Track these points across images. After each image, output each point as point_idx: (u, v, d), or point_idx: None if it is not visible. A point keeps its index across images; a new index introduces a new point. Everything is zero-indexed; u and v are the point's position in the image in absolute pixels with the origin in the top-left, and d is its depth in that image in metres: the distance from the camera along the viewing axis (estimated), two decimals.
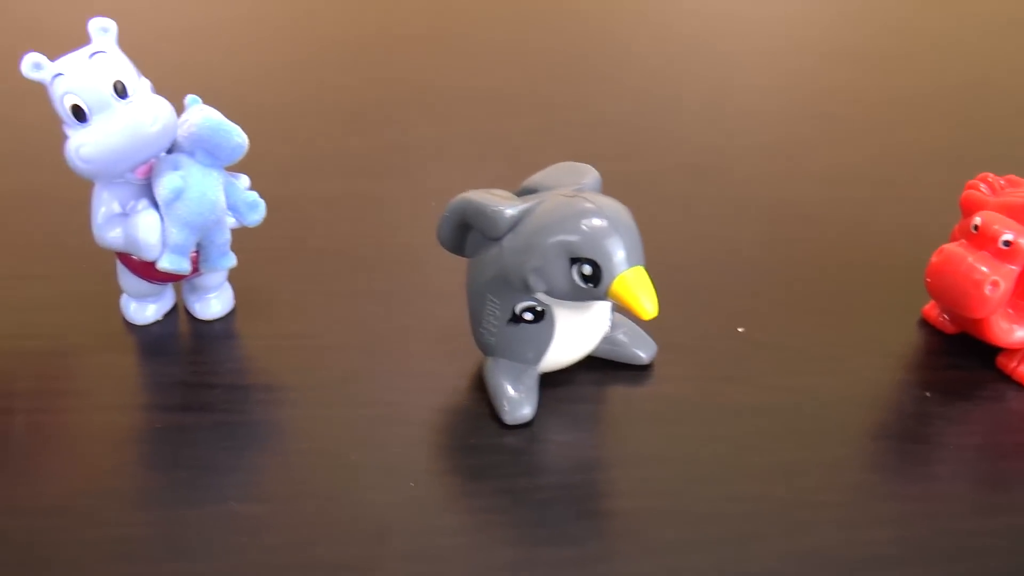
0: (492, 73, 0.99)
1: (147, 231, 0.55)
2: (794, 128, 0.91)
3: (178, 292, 0.66)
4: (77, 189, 0.71)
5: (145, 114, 0.54)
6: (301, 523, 0.50)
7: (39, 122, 0.86)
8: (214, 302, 0.64)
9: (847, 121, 0.93)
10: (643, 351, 0.61)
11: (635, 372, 0.61)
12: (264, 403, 0.58)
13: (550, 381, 0.58)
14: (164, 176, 0.55)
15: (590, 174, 0.57)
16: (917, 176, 0.84)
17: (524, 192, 0.57)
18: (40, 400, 0.59)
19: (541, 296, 0.53)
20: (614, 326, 0.60)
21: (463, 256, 0.59)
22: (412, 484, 0.53)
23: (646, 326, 0.61)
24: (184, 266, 0.57)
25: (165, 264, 0.56)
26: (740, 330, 0.64)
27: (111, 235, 0.57)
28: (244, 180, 0.60)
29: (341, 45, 1.06)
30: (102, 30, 0.57)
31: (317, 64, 1.02)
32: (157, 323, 0.64)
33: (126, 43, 0.57)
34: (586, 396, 0.59)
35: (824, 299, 0.68)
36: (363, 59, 1.03)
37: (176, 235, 0.56)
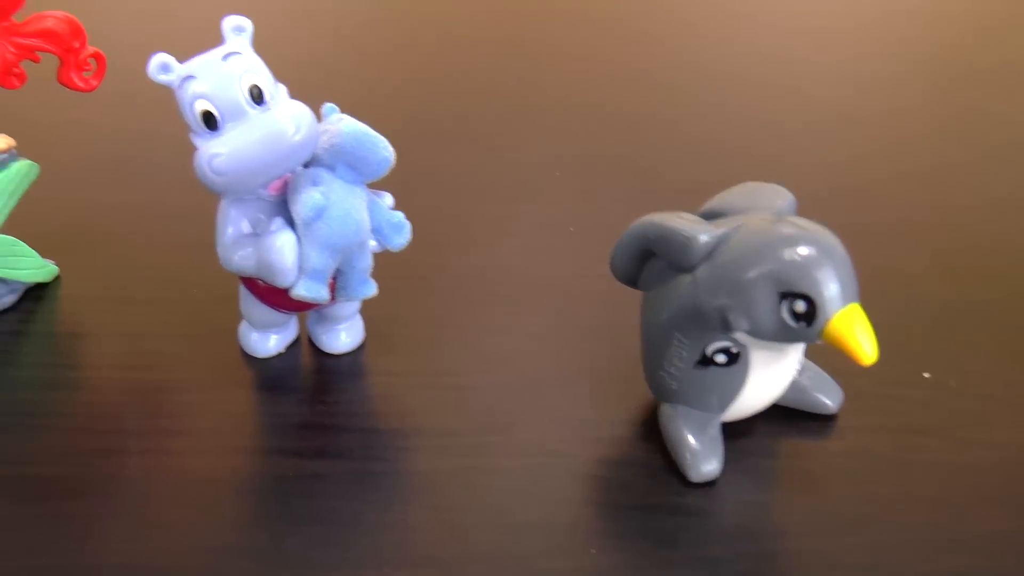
0: (608, 90, 0.92)
1: (283, 254, 0.49)
2: (943, 152, 0.83)
3: (302, 322, 0.59)
4: (187, 203, 0.66)
5: (286, 122, 0.48)
6: None
7: (145, 128, 0.81)
8: (344, 334, 0.57)
9: (1005, 145, 0.85)
10: (830, 398, 0.54)
11: (819, 422, 0.54)
12: (408, 450, 0.52)
13: (727, 431, 0.51)
14: (303, 192, 0.49)
15: (784, 196, 0.50)
16: None
17: (708, 216, 0.50)
18: (153, 441, 0.53)
19: (739, 336, 0.46)
20: (799, 369, 0.53)
21: (635, 288, 0.52)
22: (593, 551, 0.45)
23: (830, 369, 0.54)
24: (323, 294, 0.50)
25: (301, 291, 0.50)
26: (926, 375, 0.57)
27: (239, 257, 0.51)
28: (388, 199, 0.53)
29: (450, 58, 1.00)
30: (237, 29, 0.51)
31: (426, 76, 0.96)
32: (278, 356, 0.58)
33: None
34: (770, 449, 0.52)
35: (1021, 341, 0.60)
36: (472, 72, 0.97)
37: (315, 259, 0.49)
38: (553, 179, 0.76)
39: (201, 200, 0.63)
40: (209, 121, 0.49)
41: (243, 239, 0.51)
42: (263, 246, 0.49)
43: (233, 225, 0.52)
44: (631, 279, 0.52)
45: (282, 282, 0.50)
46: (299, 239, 0.49)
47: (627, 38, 1.04)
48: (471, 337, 0.59)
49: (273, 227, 0.50)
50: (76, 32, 0.58)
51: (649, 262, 0.50)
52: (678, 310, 0.48)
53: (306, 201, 0.49)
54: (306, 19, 1.09)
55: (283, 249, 0.49)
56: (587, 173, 0.78)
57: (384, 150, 0.50)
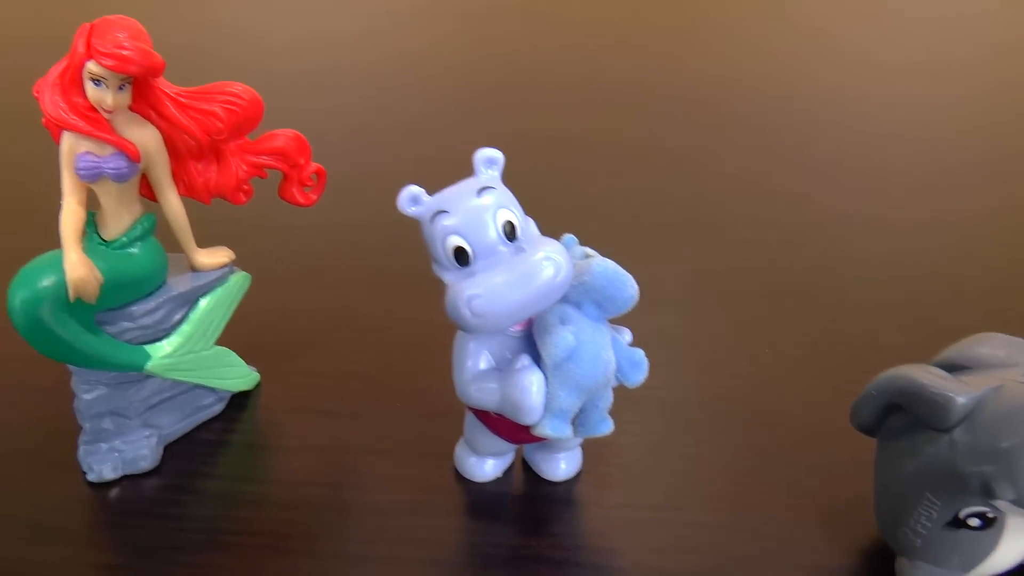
0: (784, 202, 0.92)
1: (531, 393, 0.49)
2: None
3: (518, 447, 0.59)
4: (387, 310, 0.66)
5: (547, 264, 0.47)
6: None
7: (341, 227, 0.82)
8: (563, 463, 0.57)
9: None
10: None
11: None
12: None
13: None
14: (555, 333, 0.49)
15: None
16: None
17: (947, 367, 0.50)
18: (377, 569, 0.52)
19: (999, 502, 0.46)
20: None
21: (871, 436, 0.52)
22: None
23: None
24: (567, 432, 0.50)
25: (546, 430, 0.50)
26: None
27: (478, 390, 0.51)
28: (627, 335, 0.53)
29: (632, 165, 1.00)
30: (488, 162, 0.51)
31: (602, 187, 0.96)
32: (493, 481, 0.57)
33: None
34: None
35: None
36: (649, 180, 0.97)
37: (564, 399, 0.49)
38: (739, 293, 0.76)
39: (401, 309, 0.64)
40: (460, 257, 0.48)
41: (484, 374, 0.51)
42: (510, 383, 0.49)
43: (473, 359, 0.52)
44: (871, 429, 0.52)
45: (527, 420, 0.50)
46: (547, 378, 0.49)
47: (806, 145, 1.04)
48: (684, 467, 0.59)
49: (518, 364, 0.50)
50: (303, 149, 0.59)
51: (893, 414, 0.50)
52: (930, 470, 0.47)
53: (558, 342, 0.49)
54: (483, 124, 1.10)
55: (531, 388, 0.49)
56: (773, 286, 0.78)
57: (631, 288, 0.50)
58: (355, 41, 1.40)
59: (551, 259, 0.47)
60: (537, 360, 0.50)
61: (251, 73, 1.19)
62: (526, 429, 0.51)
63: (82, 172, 0.53)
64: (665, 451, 0.60)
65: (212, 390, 0.61)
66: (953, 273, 0.81)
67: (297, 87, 1.19)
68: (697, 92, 1.22)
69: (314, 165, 0.60)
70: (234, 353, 0.62)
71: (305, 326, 0.70)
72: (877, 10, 1.63)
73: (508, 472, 0.58)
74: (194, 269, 0.59)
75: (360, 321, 0.71)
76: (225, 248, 0.60)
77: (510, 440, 0.54)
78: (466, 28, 1.48)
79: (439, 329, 0.64)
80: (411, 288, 0.74)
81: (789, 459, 0.59)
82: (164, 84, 0.54)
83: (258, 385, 0.65)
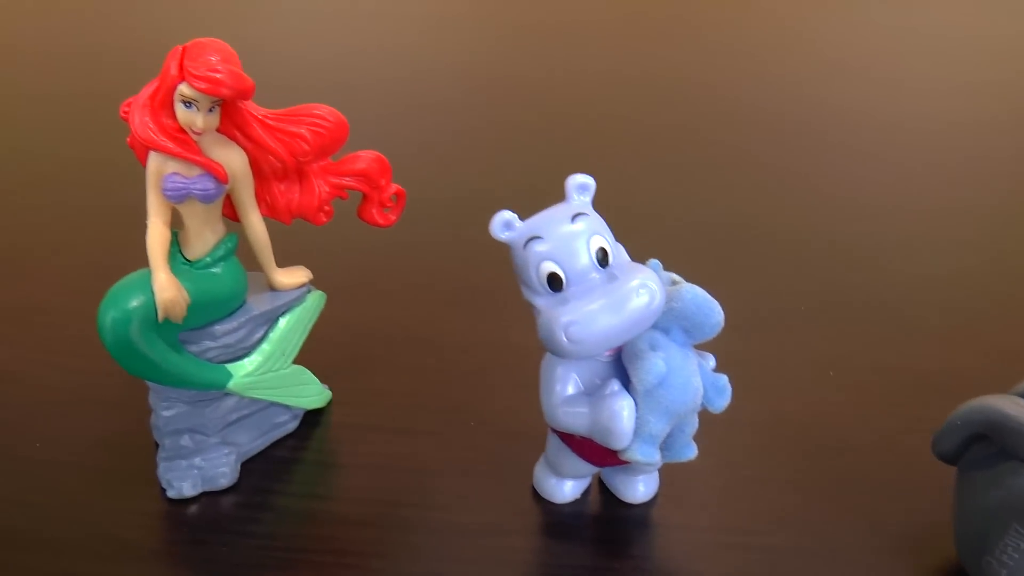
0: (849, 221, 0.92)
1: (622, 418, 0.49)
2: None
3: None
4: (458, 328, 0.66)
5: (643, 292, 0.48)
6: None
7: (407, 255, 0.82)
8: (641, 485, 0.58)
9: None
10: None
11: None
12: None
13: None
14: (646, 359, 0.49)
15: None
16: None
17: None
18: None
19: None
20: None
21: (951, 464, 0.53)
22: None
23: None
24: (656, 457, 0.51)
25: (636, 455, 0.50)
26: None
27: (566, 414, 0.52)
28: (711, 360, 0.54)
29: (688, 188, 1.01)
30: (581, 188, 0.51)
31: (657, 209, 0.96)
32: (570, 502, 0.58)
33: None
34: None
35: None
36: (703, 198, 0.97)
37: (654, 424, 0.50)
38: (798, 314, 0.76)
39: (474, 330, 0.64)
40: (553, 282, 0.49)
41: (573, 398, 0.52)
42: (601, 408, 0.50)
43: (561, 383, 0.52)
44: (952, 458, 0.52)
45: (616, 445, 0.50)
46: (637, 403, 0.50)
47: (865, 168, 1.04)
48: (757, 490, 0.59)
49: (609, 390, 0.50)
50: (384, 170, 0.59)
51: (975, 444, 0.51)
52: (1017, 500, 0.48)
53: (650, 368, 0.49)
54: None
55: (622, 413, 0.49)
56: (836, 309, 0.78)
57: (719, 315, 0.51)
58: (417, 55, 1.38)
59: (646, 287, 0.48)
60: (626, 385, 0.50)
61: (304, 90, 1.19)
62: (612, 453, 0.51)
63: (170, 193, 0.53)
64: (737, 474, 0.60)
65: (287, 408, 0.62)
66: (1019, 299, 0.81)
67: (357, 105, 1.17)
68: (762, 103, 1.21)
69: (394, 186, 0.60)
70: (309, 371, 0.62)
71: (376, 345, 0.71)
72: None
73: (585, 494, 0.59)
74: (273, 289, 0.60)
75: (432, 340, 0.71)
76: (303, 267, 0.61)
77: (595, 463, 0.55)
78: (524, 41, 1.46)
79: (513, 350, 0.65)
80: (484, 309, 0.74)
81: (859, 484, 0.60)
82: (251, 106, 0.55)
83: (330, 403, 0.65)
